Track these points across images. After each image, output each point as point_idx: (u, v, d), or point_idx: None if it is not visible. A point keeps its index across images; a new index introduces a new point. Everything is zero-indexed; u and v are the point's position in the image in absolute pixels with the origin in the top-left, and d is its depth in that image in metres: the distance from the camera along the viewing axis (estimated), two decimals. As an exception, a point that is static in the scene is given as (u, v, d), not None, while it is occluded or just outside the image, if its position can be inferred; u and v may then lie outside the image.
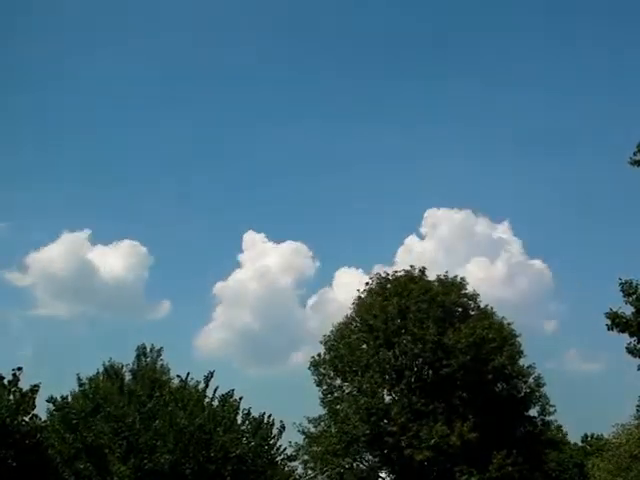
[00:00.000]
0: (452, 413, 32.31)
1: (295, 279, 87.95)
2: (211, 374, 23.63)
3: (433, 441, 31.06)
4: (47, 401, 21.10)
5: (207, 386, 23.49)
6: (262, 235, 75.64)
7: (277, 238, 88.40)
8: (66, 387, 23.59)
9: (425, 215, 69.49)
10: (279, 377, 74.05)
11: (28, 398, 17.55)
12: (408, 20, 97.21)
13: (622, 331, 20.48)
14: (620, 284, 20.33)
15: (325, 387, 35.69)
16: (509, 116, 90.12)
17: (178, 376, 23.84)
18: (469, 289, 36.26)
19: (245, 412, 24.00)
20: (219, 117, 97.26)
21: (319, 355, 36.00)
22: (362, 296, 36.50)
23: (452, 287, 35.83)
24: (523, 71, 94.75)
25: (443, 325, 34.00)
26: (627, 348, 20.81)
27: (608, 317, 20.31)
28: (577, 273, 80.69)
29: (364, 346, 35.03)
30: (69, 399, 22.21)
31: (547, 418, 35.98)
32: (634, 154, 21.01)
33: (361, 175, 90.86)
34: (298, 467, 31.94)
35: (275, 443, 24.56)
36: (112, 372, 23.52)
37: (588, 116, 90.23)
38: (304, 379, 36.55)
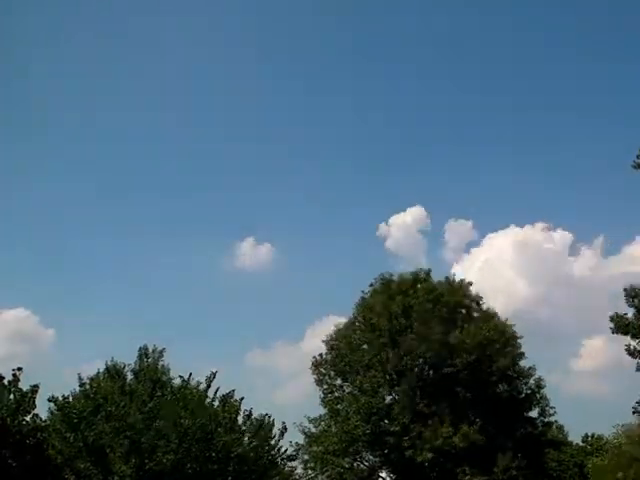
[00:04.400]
0: (454, 414, 32.20)
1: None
2: (213, 375, 23.58)
3: (438, 442, 30.92)
4: (48, 400, 21.04)
5: (209, 386, 23.44)
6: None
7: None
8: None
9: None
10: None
11: (28, 398, 17.54)
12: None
13: (624, 333, 20.49)
14: (624, 289, 20.35)
15: (326, 387, 35.61)
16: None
17: (180, 376, 23.80)
18: (473, 291, 36.28)
19: (246, 413, 23.99)
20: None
21: (320, 355, 35.97)
22: (365, 296, 36.41)
23: (457, 289, 35.79)
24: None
25: (447, 325, 33.92)
26: (627, 349, 20.82)
27: (612, 320, 20.32)
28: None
29: (365, 346, 34.93)
30: (70, 399, 22.09)
31: (547, 419, 35.95)
32: (637, 157, 20.99)
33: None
34: (298, 467, 31.98)
35: (276, 444, 24.56)
36: (114, 372, 23.41)
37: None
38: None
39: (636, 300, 19.95)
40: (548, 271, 74.11)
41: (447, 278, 36.53)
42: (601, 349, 73.87)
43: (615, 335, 20.52)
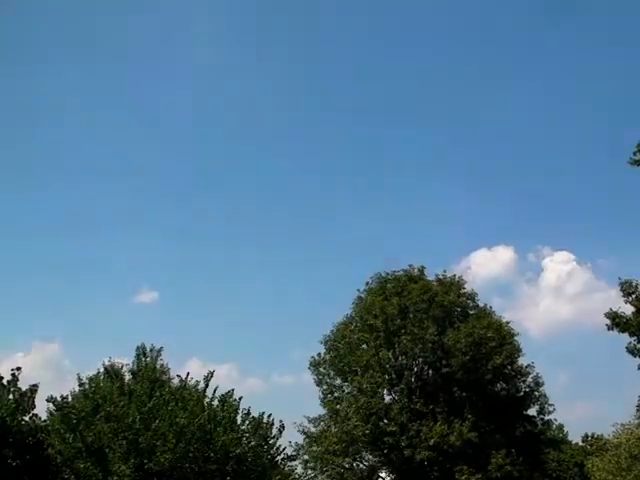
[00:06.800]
0: (452, 413, 32.32)
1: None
2: (211, 374, 23.59)
3: (432, 441, 31.07)
4: (47, 401, 21.05)
5: (207, 386, 23.46)
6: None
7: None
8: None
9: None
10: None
11: (27, 398, 17.60)
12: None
13: (622, 331, 20.51)
14: (620, 284, 20.38)
15: (325, 387, 35.75)
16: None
17: (178, 376, 23.83)
18: (467, 288, 36.36)
19: (245, 412, 23.97)
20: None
21: (319, 355, 36.05)
22: (362, 296, 36.50)
23: (451, 286, 35.86)
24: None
25: (442, 325, 34.04)
26: (627, 348, 20.84)
27: (608, 317, 20.34)
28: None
29: (364, 346, 35.03)
30: (69, 399, 22.12)
31: (546, 417, 36.03)
32: (634, 154, 21.04)
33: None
34: (298, 467, 31.98)
35: (275, 443, 24.53)
36: (112, 372, 23.42)
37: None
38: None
39: (632, 297, 20.03)
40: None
41: (439, 276, 36.53)
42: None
43: None
